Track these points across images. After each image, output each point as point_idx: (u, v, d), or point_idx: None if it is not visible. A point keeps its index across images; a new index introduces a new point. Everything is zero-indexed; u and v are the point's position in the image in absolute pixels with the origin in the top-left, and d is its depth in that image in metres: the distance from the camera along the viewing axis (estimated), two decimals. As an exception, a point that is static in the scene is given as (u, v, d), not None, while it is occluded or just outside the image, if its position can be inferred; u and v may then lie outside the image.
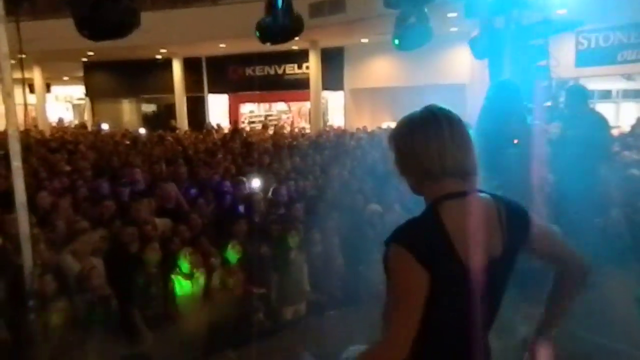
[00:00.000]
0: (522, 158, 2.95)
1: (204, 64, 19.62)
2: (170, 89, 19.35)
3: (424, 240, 1.35)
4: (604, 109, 15.37)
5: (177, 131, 16.08)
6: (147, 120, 21.28)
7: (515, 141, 2.99)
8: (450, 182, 1.42)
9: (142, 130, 17.41)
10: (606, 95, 15.41)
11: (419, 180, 1.47)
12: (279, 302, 4.44)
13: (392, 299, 1.36)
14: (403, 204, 5.93)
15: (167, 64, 19.05)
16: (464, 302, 1.37)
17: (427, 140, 1.43)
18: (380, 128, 14.96)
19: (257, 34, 4.90)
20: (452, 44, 13.35)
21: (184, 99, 19.63)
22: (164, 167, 7.62)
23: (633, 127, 11.42)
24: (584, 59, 12.51)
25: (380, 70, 16.41)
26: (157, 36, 12.64)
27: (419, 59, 12.86)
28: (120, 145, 11.51)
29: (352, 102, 18.23)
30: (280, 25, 4.44)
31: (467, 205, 1.40)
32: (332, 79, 17.39)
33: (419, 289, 1.32)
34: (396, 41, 5.71)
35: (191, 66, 19.38)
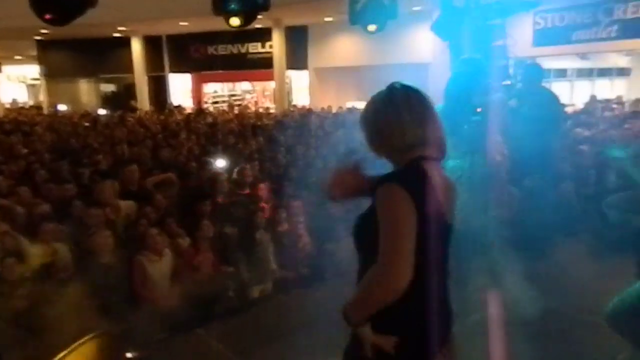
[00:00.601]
0: (484, 125, 3.15)
1: (164, 43, 19.13)
2: (129, 68, 18.82)
3: (416, 185, 1.46)
4: (559, 87, 15.91)
5: (138, 112, 15.71)
6: (107, 100, 20.65)
7: (479, 109, 3.16)
8: (419, 150, 1.54)
9: (102, 111, 16.96)
10: (561, 74, 15.91)
11: (390, 155, 1.59)
12: (246, 281, 4.51)
13: (386, 233, 1.41)
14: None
15: (126, 42, 18.48)
16: (439, 248, 1.51)
17: (387, 118, 1.55)
18: (341, 108, 15.05)
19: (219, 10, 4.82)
20: (415, 23, 13.46)
21: (145, 78, 19.14)
22: (126, 149, 7.50)
23: (586, 105, 11.87)
24: (541, 38, 12.83)
25: (344, 49, 16.39)
26: (114, 13, 12.21)
27: (383, 38, 12.89)
28: (79, 127, 11.20)
29: (316, 81, 18.19)
30: (243, 4, 4.38)
31: (439, 168, 1.57)
32: (297, 58, 17.27)
33: (411, 222, 1.42)
34: (368, 27, 5.73)
35: (151, 45, 18.87)
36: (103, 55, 18.85)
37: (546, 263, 4.52)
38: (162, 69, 19.42)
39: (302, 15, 15.23)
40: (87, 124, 11.93)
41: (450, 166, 3.25)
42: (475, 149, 3.18)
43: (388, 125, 1.54)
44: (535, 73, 5.27)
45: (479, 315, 3.15)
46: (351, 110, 14.09)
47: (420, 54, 14.33)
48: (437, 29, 6.07)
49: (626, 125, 8.12)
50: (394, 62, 15.21)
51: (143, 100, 18.69)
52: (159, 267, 3.99)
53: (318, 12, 14.67)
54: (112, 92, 21.33)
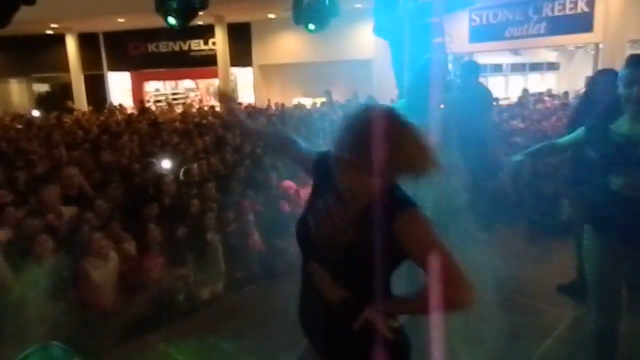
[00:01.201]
0: (446, 120, 3.39)
1: (101, 40, 18.43)
2: (64, 67, 18.00)
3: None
4: (495, 81, 16.70)
5: (76, 112, 15.05)
6: (40, 101, 19.63)
7: (442, 106, 3.39)
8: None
9: (36, 113, 16.12)
10: (497, 69, 16.66)
11: (384, 172, 1.50)
12: (196, 283, 4.47)
13: (438, 249, 1.40)
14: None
15: (60, 39, 17.65)
16: None
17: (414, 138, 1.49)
18: (278, 104, 15.05)
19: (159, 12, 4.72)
20: (357, 20, 13.65)
21: (81, 77, 18.37)
22: (64, 152, 7.20)
23: (519, 98, 12.50)
24: (477, 35, 13.38)
25: (288, 46, 16.42)
26: (46, 10, 11.64)
27: (326, 35, 12.96)
28: (11, 130, 10.62)
29: (261, 78, 18.11)
30: (182, 3, 4.30)
31: None
32: (240, 55, 17.12)
33: None
34: (309, 25, 5.79)
35: (88, 42, 18.13)
36: (35, 53, 17.92)
37: (484, 249, 4.77)
38: (99, 67, 18.72)
39: (244, 12, 15.11)
40: (19, 127, 11.33)
41: None
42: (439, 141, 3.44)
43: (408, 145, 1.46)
44: (472, 69, 5.52)
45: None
46: (299, 105, 14.16)
47: (363, 50, 14.58)
48: (379, 31, 6.22)
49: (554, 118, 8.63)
50: (338, 59, 15.41)
51: (80, 101, 17.94)
52: (104, 272, 3.89)
53: (260, 9, 14.61)
54: (47, 92, 20.29)
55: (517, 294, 3.96)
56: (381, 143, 1.43)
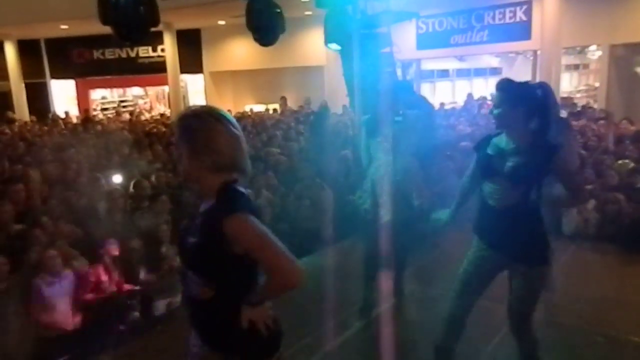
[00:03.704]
0: (404, 128, 3.71)
1: (43, 47, 17.72)
2: (3, 75, 17.16)
3: (253, 208, 1.66)
4: (442, 86, 17.24)
5: (17, 122, 14.37)
6: (-23, 110, 18.62)
7: (400, 114, 3.71)
8: (226, 173, 1.66)
9: (-28, 124, 15.29)
10: (444, 74, 17.21)
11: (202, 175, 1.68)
12: (152, 297, 4.40)
13: (265, 246, 1.58)
14: (270, 187, 6.17)
15: (-3, 46, 16.85)
16: None
17: (220, 133, 1.64)
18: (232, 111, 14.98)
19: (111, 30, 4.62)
20: (307, 27, 13.79)
21: (22, 85, 17.56)
22: (6, 166, 6.90)
23: (465, 103, 12.96)
24: (423, 42, 13.80)
25: (239, 52, 16.32)
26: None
27: (278, 41, 13.05)
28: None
29: (212, 85, 17.91)
30: (133, 19, 4.24)
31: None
32: (191, 62, 16.87)
33: None
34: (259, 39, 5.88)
35: (28, 49, 17.37)
36: (-30, 61, 17.02)
37: (438, 255, 4.97)
38: (42, 75, 17.96)
39: (193, 18, 14.91)
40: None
41: (375, 165, 3.72)
42: (397, 148, 3.70)
43: (218, 140, 1.62)
44: (405, 90, 5.78)
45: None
46: (248, 113, 14.12)
47: (315, 57, 14.71)
48: (330, 42, 6.36)
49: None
50: (290, 66, 15.48)
51: (21, 110, 17.14)
52: (58, 289, 3.79)
53: (210, 16, 14.47)
54: (-16, 101, 19.28)
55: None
56: (188, 140, 1.62)
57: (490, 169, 2.54)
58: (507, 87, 2.47)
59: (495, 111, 2.49)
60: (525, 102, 2.41)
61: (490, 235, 2.63)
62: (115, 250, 4.23)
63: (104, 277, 4.09)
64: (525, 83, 2.51)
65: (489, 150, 2.56)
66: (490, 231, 2.63)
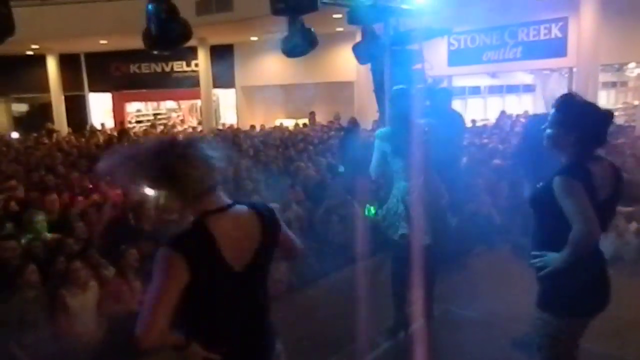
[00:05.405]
0: (429, 147, 3.53)
1: (82, 61, 18.36)
2: (45, 87, 17.85)
3: (194, 247, 1.59)
4: (474, 103, 17.03)
5: (56, 134, 14.87)
6: (19, 122, 19.37)
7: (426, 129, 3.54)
8: (205, 200, 1.66)
9: (15, 134, 15.92)
10: (476, 91, 17.01)
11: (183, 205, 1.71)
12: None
13: (154, 290, 1.56)
14: (300, 202, 6.14)
15: (41, 60, 17.53)
16: (235, 294, 1.67)
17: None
18: (252, 126, 15.10)
19: (144, 43, 4.73)
20: (339, 43, 13.86)
21: (62, 98, 18.23)
22: (44, 175, 7.11)
23: (497, 120, 12.74)
24: (455, 58, 13.68)
25: (271, 67, 16.54)
26: (27, 31, 11.57)
27: (309, 57, 13.06)
28: (-12, 152, 10.45)
29: (244, 99, 18.19)
30: (166, 33, 4.34)
31: (228, 217, 1.67)
32: (223, 77, 17.20)
33: (178, 286, 1.55)
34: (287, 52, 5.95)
35: (69, 63, 18.04)
36: (15, 73, 17.70)
37: (466, 275, 4.83)
38: (80, 88, 18.60)
39: (227, 34, 15.23)
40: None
41: (403, 186, 3.56)
42: (423, 170, 3.53)
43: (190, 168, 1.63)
44: (444, 96, 5.66)
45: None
46: (281, 127, 14.22)
47: (345, 72, 14.78)
48: (357, 51, 6.34)
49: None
50: (320, 81, 15.58)
51: (60, 121, 17.75)
52: (83, 300, 3.82)
53: (243, 32, 14.75)
54: (26, 112, 20.03)
55: (502, 318, 3.99)
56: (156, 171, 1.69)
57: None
58: (565, 108, 2.20)
59: (548, 131, 2.23)
60: (582, 129, 2.13)
61: (607, 295, 2.25)
62: (137, 261, 4.24)
63: (129, 287, 4.11)
64: (590, 104, 2.23)
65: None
66: (606, 287, 2.25)
